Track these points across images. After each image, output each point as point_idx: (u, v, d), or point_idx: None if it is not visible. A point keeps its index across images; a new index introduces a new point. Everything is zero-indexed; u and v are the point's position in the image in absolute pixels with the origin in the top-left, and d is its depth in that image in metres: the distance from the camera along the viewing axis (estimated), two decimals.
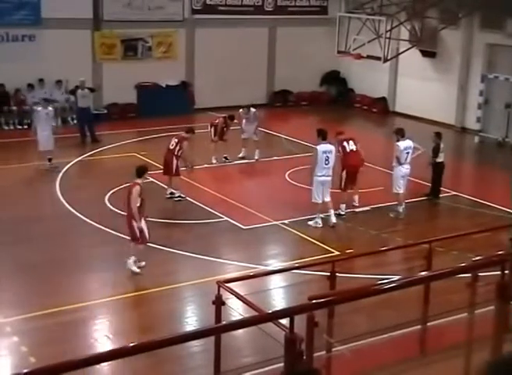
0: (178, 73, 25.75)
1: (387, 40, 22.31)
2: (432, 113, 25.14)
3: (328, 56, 26.59)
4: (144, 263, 12.66)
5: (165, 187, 16.84)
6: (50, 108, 19.18)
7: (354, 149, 15.96)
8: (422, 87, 25.64)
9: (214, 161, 19.51)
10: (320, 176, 14.94)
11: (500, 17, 22.57)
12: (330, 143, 15.30)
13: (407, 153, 15.97)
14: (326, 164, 14.90)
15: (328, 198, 15.15)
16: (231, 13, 26.28)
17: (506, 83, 23.26)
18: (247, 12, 26.72)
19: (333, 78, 28.84)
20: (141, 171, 12.76)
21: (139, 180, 12.59)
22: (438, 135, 17.06)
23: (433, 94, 25.32)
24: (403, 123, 24.97)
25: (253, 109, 20.19)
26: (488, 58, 23.82)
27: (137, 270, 12.48)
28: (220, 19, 26.01)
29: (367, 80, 27.35)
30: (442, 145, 16.97)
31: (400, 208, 15.94)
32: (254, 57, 27.00)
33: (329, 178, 15.06)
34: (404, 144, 16.01)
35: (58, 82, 23.42)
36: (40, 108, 18.96)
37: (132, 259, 12.51)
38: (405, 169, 15.98)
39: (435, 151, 16.91)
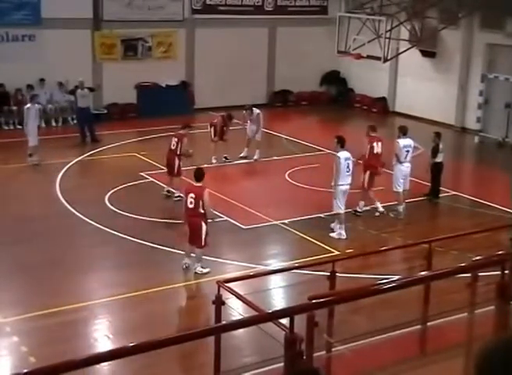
0: (178, 73, 25.74)
1: (387, 40, 22.30)
2: (432, 113, 25.13)
3: (328, 56, 26.58)
4: (209, 269, 12.73)
5: (164, 185, 16.85)
6: (37, 106, 19.36)
7: (380, 152, 15.97)
8: (422, 87, 25.64)
9: (214, 161, 19.50)
10: (342, 185, 14.64)
11: (500, 17, 22.56)
12: (347, 150, 14.93)
13: (407, 151, 15.99)
14: (347, 172, 14.64)
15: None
16: (231, 13, 26.27)
17: (506, 83, 23.26)
18: (247, 12, 26.71)
19: (333, 78, 28.83)
20: (202, 175, 12.72)
21: (200, 183, 12.58)
22: (438, 135, 17.07)
23: (433, 94, 25.32)
24: (403, 123, 24.96)
25: (256, 110, 20.20)
26: (488, 58, 23.82)
27: (207, 269, 12.63)
28: (220, 19, 26.00)
29: (367, 80, 27.34)
30: (441, 145, 16.97)
31: (400, 208, 15.94)
32: (254, 57, 26.99)
33: (349, 186, 14.82)
34: (404, 142, 16.06)
35: (61, 84, 23.37)
36: (29, 105, 19.06)
37: (200, 264, 12.62)
38: (405, 167, 16.01)
39: (434, 151, 16.93)
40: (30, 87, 22.94)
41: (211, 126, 19.62)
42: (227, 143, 19.62)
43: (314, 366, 5.70)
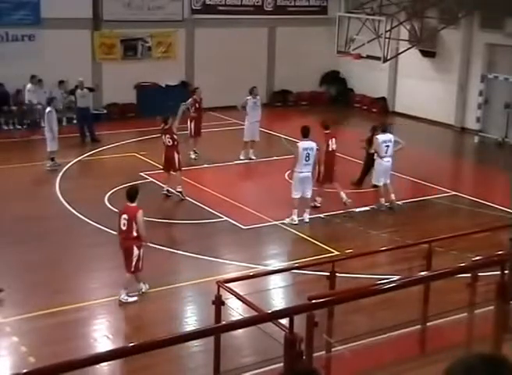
0: (178, 73, 25.74)
1: (387, 40, 22.31)
2: (431, 113, 25.13)
3: (328, 56, 26.59)
4: (147, 286, 11.90)
5: (163, 185, 16.83)
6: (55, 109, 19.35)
7: (334, 149, 16.28)
8: (422, 87, 25.63)
9: (193, 156, 19.65)
10: (300, 172, 15.19)
11: (500, 17, 22.55)
12: (311, 140, 15.48)
13: (387, 146, 16.31)
14: (307, 161, 15.16)
15: (308, 195, 15.36)
16: (231, 13, 26.26)
17: (506, 83, 23.25)
18: (247, 12, 26.71)
19: (333, 78, 28.82)
20: (136, 194, 11.73)
21: (134, 204, 11.57)
22: (374, 128, 17.43)
23: (433, 94, 25.31)
24: (403, 123, 25.01)
25: (258, 97, 20.46)
26: (488, 58, 23.81)
27: (135, 298, 11.64)
28: (220, 19, 26.00)
29: (367, 80, 27.33)
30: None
31: (383, 200, 16.20)
32: (254, 57, 26.98)
33: (308, 174, 15.28)
34: (383, 137, 16.40)
35: (61, 82, 23.36)
36: (50, 108, 18.86)
37: (125, 292, 11.57)
38: (385, 162, 16.29)
39: (369, 143, 17.28)
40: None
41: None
42: (201, 138, 19.79)
43: (312, 367, 5.70)
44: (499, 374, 2.45)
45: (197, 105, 19.99)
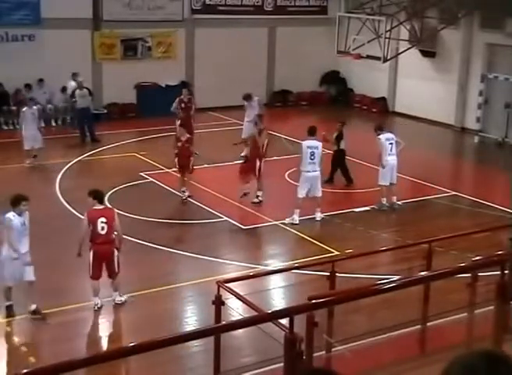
0: (178, 73, 25.74)
1: (387, 40, 22.31)
2: (431, 113, 25.13)
3: (328, 56, 26.59)
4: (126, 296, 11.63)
5: (181, 187, 16.75)
6: (35, 108, 19.40)
7: (265, 144, 16.50)
8: (422, 87, 25.63)
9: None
10: (306, 171, 15.14)
11: (500, 17, 22.55)
12: (317, 139, 15.52)
13: (391, 144, 16.27)
14: (312, 159, 15.10)
15: (318, 194, 15.30)
16: (231, 13, 26.27)
17: (506, 83, 23.25)
18: (247, 12, 26.72)
19: (333, 78, 28.84)
20: (102, 196, 11.63)
21: (104, 205, 11.44)
22: (342, 124, 17.83)
23: (433, 94, 25.31)
24: (403, 123, 25.02)
25: (256, 97, 20.37)
26: (488, 58, 23.81)
27: (126, 297, 11.56)
28: (220, 19, 26.01)
29: (367, 80, 27.34)
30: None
31: (384, 200, 16.13)
32: (254, 57, 26.99)
33: (316, 173, 15.21)
34: (386, 135, 16.43)
35: (64, 89, 23.38)
36: (25, 108, 19.15)
37: (119, 292, 11.52)
38: (391, 160, 16.16)
39: (338, 140, 17.55)
40: (28, 86, 22.96)
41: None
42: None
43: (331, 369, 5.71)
44: (499, 372, 2.44)
45: (182, 105, 19.94)
